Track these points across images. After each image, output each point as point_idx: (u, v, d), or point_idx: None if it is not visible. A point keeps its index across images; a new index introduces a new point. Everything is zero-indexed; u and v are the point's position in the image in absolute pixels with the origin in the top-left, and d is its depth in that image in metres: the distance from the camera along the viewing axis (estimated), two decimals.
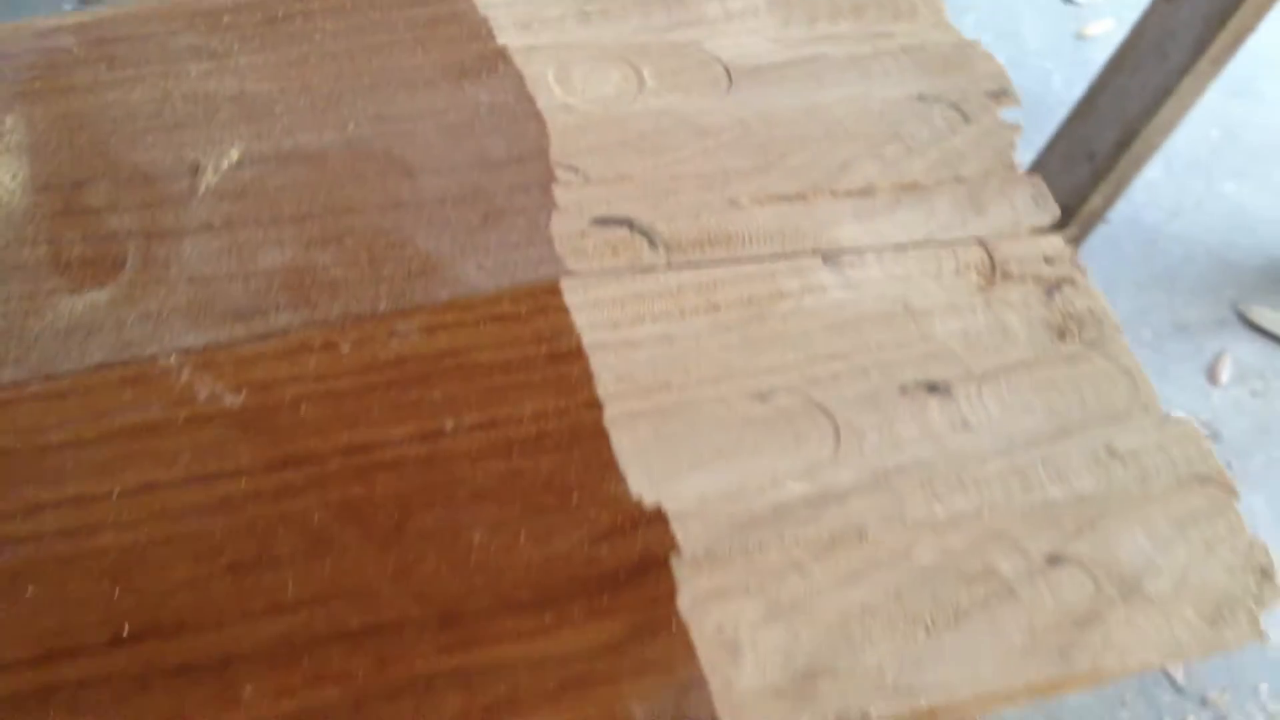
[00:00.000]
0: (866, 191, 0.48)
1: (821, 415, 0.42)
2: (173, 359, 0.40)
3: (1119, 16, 2.33)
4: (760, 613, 0.38)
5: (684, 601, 0.38)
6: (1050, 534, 0.41)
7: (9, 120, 0.44)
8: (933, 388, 0.44)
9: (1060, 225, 0.48)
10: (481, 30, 0.50)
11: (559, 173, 0.46)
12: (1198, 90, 1.49)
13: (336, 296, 0.42)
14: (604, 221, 0.45)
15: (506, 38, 0.50)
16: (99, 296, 0.41)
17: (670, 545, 0.39)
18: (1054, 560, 0.41)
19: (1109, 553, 0.41)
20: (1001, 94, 0.51)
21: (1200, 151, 2.17)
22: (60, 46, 0.47)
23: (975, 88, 0.51)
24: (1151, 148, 1.57)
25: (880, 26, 0.53)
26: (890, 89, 0.51)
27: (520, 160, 0.46)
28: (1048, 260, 0.47)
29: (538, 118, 0.48)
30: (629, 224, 0.45)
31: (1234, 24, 1.39)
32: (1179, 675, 1.61)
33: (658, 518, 0.39)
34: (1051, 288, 0.46)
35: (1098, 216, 1.71)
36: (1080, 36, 2.34)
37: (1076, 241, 1.76)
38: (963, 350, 0.45)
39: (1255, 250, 2.05)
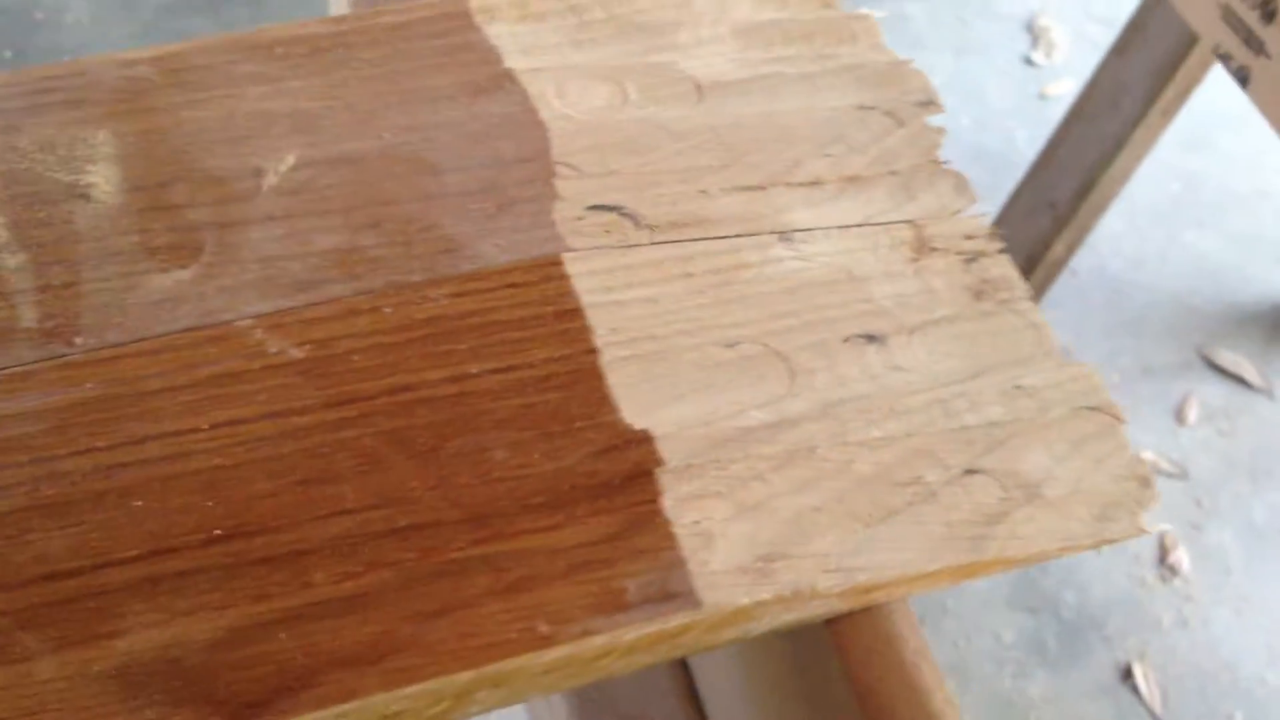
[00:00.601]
0: (815, 183, 0.56)
1: (779, 360, 0.50)
2: (247, 323, 0.47)
3: (1078, 76, 2.39)
4: (729, 512, 0.46)
5: (667, 503, 0.45)
6: (966, 451, 0.49)
7: (102, 135, 0.52)
8: (871, 338, 0.51)
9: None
10: (491, 56, 0.57)
11: (559, 170, 0.54)
12: (1151, 139, 1.53)
13: (379, 270, 0.50)
14: (597, 208, 0.53)
15: (513, 61, 0.57)
16: (183, 275, 0.48)
17: (656, 460, 0.46)
18: (969, 471, 0.48)
19: (1015, 466, 0.49)
20: (928, 103, 0.59)
21: (1161, 204, 2.20)
22: (140, 75, 0.54)
23: (907, 98, 0.59)
24: (1110, 196, 1.61)
25: (826, 50, 0.61)
26: (835, 100, 0.59)
27: (527, 160, 0.54)
28: (967, 237, 0.55)
29: (540, 126, 0.55)
30: (618, 210, 0.53)
31: (1181, 76, 1.43)
32: (1157, 707, 1.65)
33: (645, 439, 0.47)
34: (970, 259, 0.54)
35: (1061, 265, 1.74)
36: (1042, 96, 2.39)
37: (1041, 289, 1.79)
38: (896, 309, 0.52)
39: (1217, 296, 2.08)
